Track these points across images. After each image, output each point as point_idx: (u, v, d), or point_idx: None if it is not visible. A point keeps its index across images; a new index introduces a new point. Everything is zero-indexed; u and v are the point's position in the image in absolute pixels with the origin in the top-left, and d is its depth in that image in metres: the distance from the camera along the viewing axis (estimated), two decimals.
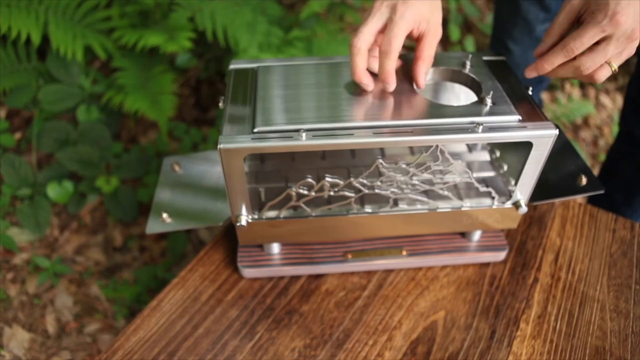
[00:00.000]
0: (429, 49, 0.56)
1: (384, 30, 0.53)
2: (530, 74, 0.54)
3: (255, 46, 1.17)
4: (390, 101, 0.55)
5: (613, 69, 0.51)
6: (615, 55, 0.50)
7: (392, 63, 0.53)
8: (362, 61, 0.53)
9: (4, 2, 1.10)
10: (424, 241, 0.67)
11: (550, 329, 0.60)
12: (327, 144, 0.50)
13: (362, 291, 0.64)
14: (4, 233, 1.20)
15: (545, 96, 1.74)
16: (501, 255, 0.67)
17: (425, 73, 0.56)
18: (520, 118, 0.53)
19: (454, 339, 0.59)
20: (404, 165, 0.55)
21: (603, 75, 0.51)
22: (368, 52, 0.53)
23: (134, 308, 1.12)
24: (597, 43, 0.49)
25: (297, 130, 0.50)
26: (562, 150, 0.65)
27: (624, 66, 1.86)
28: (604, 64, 0.51)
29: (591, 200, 1.06)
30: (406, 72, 0.59)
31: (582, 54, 0.50)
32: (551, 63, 0.52)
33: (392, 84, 0.54)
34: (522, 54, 1.04)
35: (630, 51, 0.50)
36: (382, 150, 0.66)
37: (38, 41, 1.12)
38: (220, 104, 0.58)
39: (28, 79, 1.25)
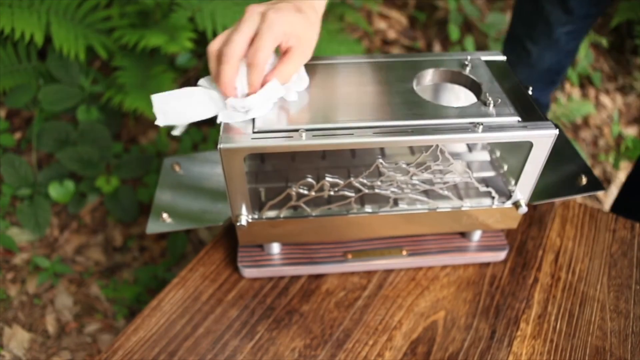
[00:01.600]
0: (287, 65, 0.51)
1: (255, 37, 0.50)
2: None
3: None
4: (390, 101, 0.55)
5: None
6: None
7: (258, 77, 0.50)
8: (232, 72, 0.50)
9: (6, 3, 1.10)
10: (424, 241, 0.67)
11: (551, 329, 0.60)
12: (327, 143, 0.50)
13: (362, 291, 0.64)
14: (4, 233, 1.20)
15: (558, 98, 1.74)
16: (501, 255, 0.67)
17: (259, 83, 0.51)
18: (520, 118, 0.53)
19: (454, 339, 0.59)
20: (404, 165, 0.55)
21: None
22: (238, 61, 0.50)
23: (134, 308, 1.13)
24: None
25: (297, 130, 0.50)
26: (562, 150, 0.65)
27: (624, 66, 1.87)
28: None
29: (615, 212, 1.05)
30: (406, 71, 0.59)
31: None
32: None
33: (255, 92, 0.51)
34: (539, 54, 1.03)
35: None
36: (382, 150, 0.66)
37: (41, 42, 1.12)
38: None
39: (28, 79, 1.25)
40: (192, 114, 0.52)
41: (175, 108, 0.52)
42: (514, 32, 1.07)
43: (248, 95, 0.51)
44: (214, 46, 0.51)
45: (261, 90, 0.51)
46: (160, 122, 0.52)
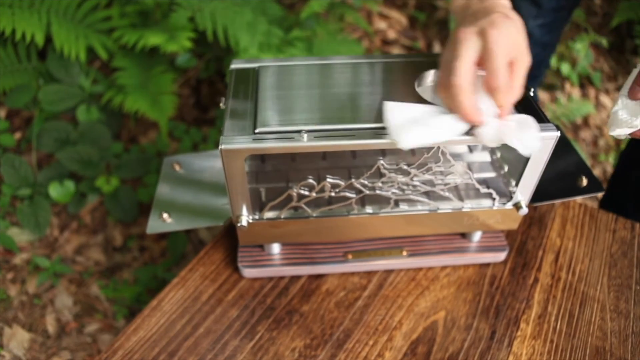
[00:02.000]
0: (518, 78, 0.48)
1: (479, 62, 0.47)
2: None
3: (256, 46, 1.18)
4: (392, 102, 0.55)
5: None
6: None
7: (509, 95, 0.47)
8: (471, 99, 0.47)
9: (7, 3, 1.10)
10: (425, 242, 0.67)
11: (551, 329, 0.60)
12: (329, 145, 0.50)
13: (362, 291, 0.64)
14: (4, 233, 1.20)
15: (545, 96, 1.74)
16: (501, 256, 0.67)
17: (510, 105, 0.48)
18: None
19: (454, 339, 0.59)
20: (405, 166, 0.55)
21: None
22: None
23: (134, 308, 1.13)
24: None
25: (299, 131, 0.50)
26: (562, 150, 0.65)
27: (624, 66, 1.87)
28: None
29: (603, 208, 1.06)
30: (407, 73, 0.59)
31: None
32: None
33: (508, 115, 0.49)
34: None
35: None
36: (383, 151, 0.66)
37: (42, 42, 1.12)
38: (221, 104, 0.58)
39: (28, 79, 1.25)
40: (437, 135, 0.48)
41: (414, 124, 0.48)
42: None
43: (500, 115, 0.49)
44: (440, 85, 0.49)
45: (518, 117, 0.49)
46: (403, 143, 0.47)
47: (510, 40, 0.46)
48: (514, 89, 0.48)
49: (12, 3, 1.11)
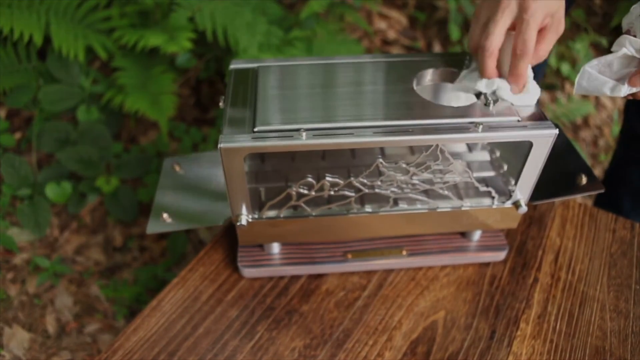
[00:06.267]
0: (546, 44, 0.53)
1: (512, 27, 0.51)
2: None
3: (255, 46, 1.17)
4: (390, 101, 0.55)
5: None
6: None
7: (527, 65, 0.51)
8: (493, 62, 0.53)
9: (6, 3, 1.10)
10: (424, 241, 0.67)
11: (550, 329, 0.60)
12: (327, 143, 0.50)
13: (362, 291, 0.64)
14: (4, 233, 1.20)
15: (545, 96, 1.74)
16: (501, 255, 0.67)
17: (526, 74, 0.53)
18: (520, 118, 0.53)
19: (454, 339, 0.59)
20: (404, 165, 0.55)
21: None
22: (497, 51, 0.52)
23: (134, 308, 1.12)
24: None
25: (297, 130, 0.50)
26: (562, 150, 0.65)
27: None
28: None
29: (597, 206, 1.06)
30: (406, 71, 0.59)
31: None
32: None
33: (521, 86, 0.53)
34: None
35: None
36: (382, 149, 0.66)
37: (40, 42, 1.12)
38: (221, 104, 0.58)
39: (28, 79, 1.24)
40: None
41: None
42: None
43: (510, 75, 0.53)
44: (473, 40, 0.54)
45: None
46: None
47: (546, 11, 0.49)
48: (538, 56, 0.52)
49: (11, 3, 1.11)
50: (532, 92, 0.54)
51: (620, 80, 0.52)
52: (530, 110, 0.54)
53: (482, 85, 0.55)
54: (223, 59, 1.43)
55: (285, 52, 1.22)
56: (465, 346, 0.58)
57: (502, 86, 0.54)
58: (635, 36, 0.51)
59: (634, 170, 0.95)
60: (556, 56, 1.77)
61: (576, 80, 0.54)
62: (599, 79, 0.53)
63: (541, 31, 0.52)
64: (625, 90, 0.51)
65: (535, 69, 0.54)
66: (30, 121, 1.38)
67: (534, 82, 0.54)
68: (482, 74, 0.54)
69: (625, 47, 0.51)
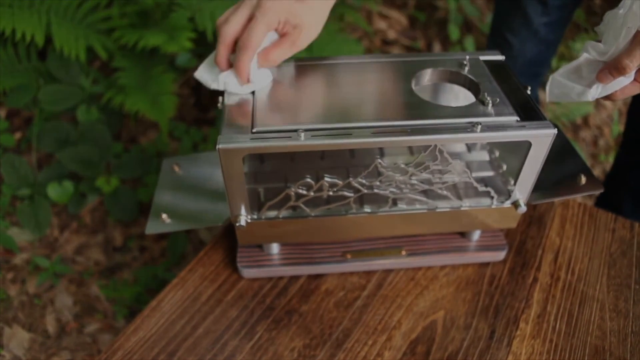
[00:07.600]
0: (279, 52, 0.54)
1: (249, 21, 0.53)
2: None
3: None
4: (389, 101, 0.55)
5: None
6: None
7: (248, 58, 0.53)
8: (225, 50, 0.54)
9: (7, 3, 1.10)
10: (423, 241, 0.67)
11: (550, 329, 0.60)
12: (326, 143, 0.50)
13: (361, 291, 0.64)
14: (4, 233, 1.20)
15: (544, 96, 1.74)
16: (500, 255, 0.67)
17: (248, 67, 0.54)
18: (519, 118, 0.53)
19: (454, 339, 0.59)
20: (402, 165, 0.55)
21: None
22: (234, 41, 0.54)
23: (134, 308, 1.13)
24: None
25: (296, 130, 0.50)
26: (561, 150, 0.65)
27: None
28: None
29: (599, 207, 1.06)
30: (405, 72, 0.59)
31: None
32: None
33: (244, 78, 0.54)
34: (520, 46, 1.05)
35: None
36: (381, 150, 0.66)
37: (42, 42, 1.12)
38: (219, 104, 0.58)
39: (28, 79, 1.25)
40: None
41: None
42: (495, 25, 1.09)
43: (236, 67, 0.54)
44: (219, 21, 0.55)
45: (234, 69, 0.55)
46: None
47: (282, 16, 0.53)
48: (269, 60, 0.54)
49: (12, 3, 1.11)
50: (256, 84, 0.56)
51: (590, 85, 0.53)
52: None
53: (216, 77, 0.56)
54: None
55: None
56: (464, 346, 0.58)
57: (229, 79, 0.56)
58: (600, 41, 0.51)
59: (636, 173, 0.95)
60: (556, 56, 1.77)
61: (547, 88, 0.55)
62: (567, 85, 0.54)
63: (281, 38, 0.54)
64: (592, 94, 0.53)
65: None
66: (30, 121, 1.38)
67: (264, 74, 0.56)
68: (215, 59, 0.55)
69: (587, 51, 0.52)
